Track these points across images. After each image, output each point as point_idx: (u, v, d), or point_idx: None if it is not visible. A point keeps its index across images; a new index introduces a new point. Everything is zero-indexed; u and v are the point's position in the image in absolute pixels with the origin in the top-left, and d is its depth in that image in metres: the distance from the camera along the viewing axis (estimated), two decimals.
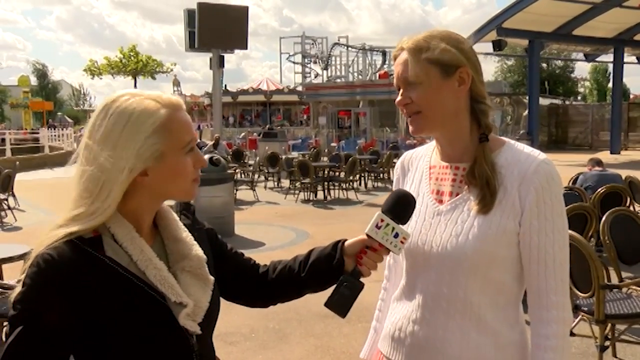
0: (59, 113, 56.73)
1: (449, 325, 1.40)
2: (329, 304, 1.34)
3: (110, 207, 1.17)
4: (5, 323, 4.17)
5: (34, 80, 62.80)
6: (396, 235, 1.35)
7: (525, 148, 1.43)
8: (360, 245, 1.39)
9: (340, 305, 1.33)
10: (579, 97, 46.78)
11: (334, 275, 1.37)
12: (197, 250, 1.30)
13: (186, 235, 1.31)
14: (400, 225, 1.36)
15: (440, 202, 1.46)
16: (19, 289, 1.14)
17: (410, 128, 1.46)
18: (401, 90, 1.44)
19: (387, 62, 34.10)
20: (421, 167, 1.57)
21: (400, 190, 1.44)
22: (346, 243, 1.42)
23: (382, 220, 1.34)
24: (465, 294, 1.39)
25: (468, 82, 1.41)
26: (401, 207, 1.38)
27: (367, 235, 1.36)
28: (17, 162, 14.15)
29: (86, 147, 1.20)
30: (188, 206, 1.44)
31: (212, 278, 1.30)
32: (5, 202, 10.71)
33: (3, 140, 24.49)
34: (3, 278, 4.79)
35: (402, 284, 1.54)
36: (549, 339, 1.36)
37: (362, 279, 1.37)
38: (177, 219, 1.35)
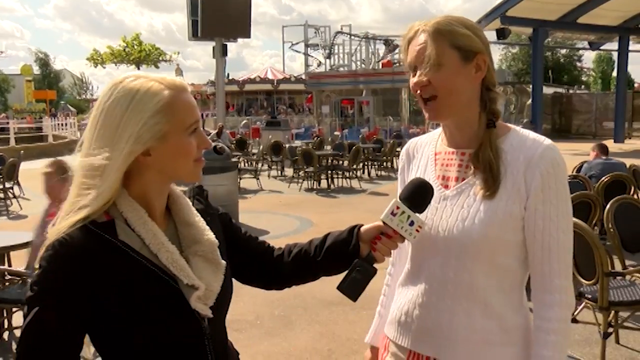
0: (62, 102, 56.74)
1: (455, 309, 1.42)
2: (341, 288, 1.36)
3: (113, 185, 1.18)
4: (14, 308, 4.21)
5: (36, 69, 62.74)
6: (411, 224, 1.36)
7: (530, 134, 1.44)
8: (375, 231, 1.41)
9: (352, 289, 1.36)
10: (583, 86, 46.45)
11: (349, 260, 1.38)
12: (209, 234, 1.32)
13: (198, 219, 1.33)
14: (417, 214, 1.37)
15: (446, 187, 1.47)
16: (37, 271, 1.17)
17: (427, 115, 1.45)
18: (417, 72, 1.43)
19: (390, 51, 33.93)
20: (427, 153, 1.57)
21: (419, 179, 1.44)
22: (362, 229, 1.43)
23: (397, 208, 1.36)
24: (471, 278, 1.40)
25: (484, 69, 1.41)
26: (418, 195, 1.39)
27: (383, 221, 1.37)
28: (22, 151, 14.17)
29: (91, 129, 1.22)
30: (201, 191, 1.45)
31: (223, 262, 1.32)
32: (11, 190, 10.78)
33: (6, 129, 24.54)
34: (11, 265, 4.84)
35: (407, 269, 1.55)
36: (552, 322, 1.37)
37: (376, 266, 1.39)
38: (190, 203, 1.36)
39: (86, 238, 1.16)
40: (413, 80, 1.44)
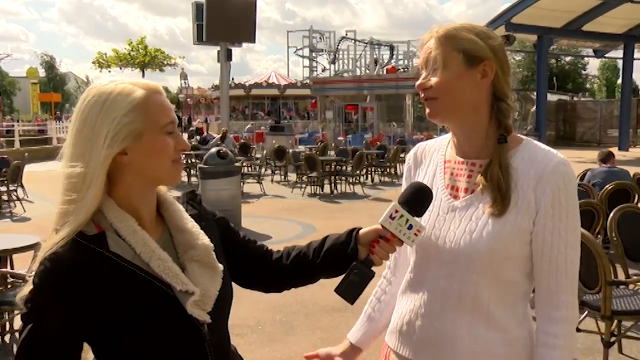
0: (67, 105, 56.96)
1: (458, 320, 1.40)
2: (338, 291, 1.35)
3: (97, 192, 1.18)
4: (15, 311, 4.21)
5: (41, 72, 62.96)
6: (410, 227, 1.35)
7: (542, 147, 1.42)
8: (373, 234, 1.41)
9: (350, 292, 1.35)
10: (587, 94, 46.38)
11: (348, 263, 1.38)
12: (203, 239, 1.31)
13: (192, 225, 1.32)
14: (415, 218, 1.37)
15: (455, 197, 1.45)
16: (29, 287, 1.17)
17: (427, 110, 1.45)
18: (423, 74, 1.44)
19: (394, 57, 33.97)
20: (435, 160, 1.55)
21: (419, 183, 1.43)
22: (361, 232, 1.43)
23: (396, 211, 1.35)
24: (476, 291, 1.39)
25: (491, 75, 1.40)
26: (417, 199, 1.39)
27: (381, 225, 1.37)
28: (26, 154, 14.22)
29: (70, 136, 1.23)
30: (194, 196, 1.45)
31: (220, 266, 1.31)
32: (15, 193, 10.80)
33: (11, 131, 24.63)
34: (14, 267, 4.84)
35: (410, 278, 1.53)
36: (558, 337, 1.36)
37: (374, 269, 1.38)
38: (182, 209, 1.36)
39: (77, 252, 1.16)
40: (417, 82, 1.45)
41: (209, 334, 1.26)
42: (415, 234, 1.36)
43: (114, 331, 1.17)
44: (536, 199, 1.35)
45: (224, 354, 1.34)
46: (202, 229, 1.34)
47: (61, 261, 1.15)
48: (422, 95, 1.44)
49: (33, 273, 1.17)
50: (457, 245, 1.40)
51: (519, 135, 1.47)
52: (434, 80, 1.40)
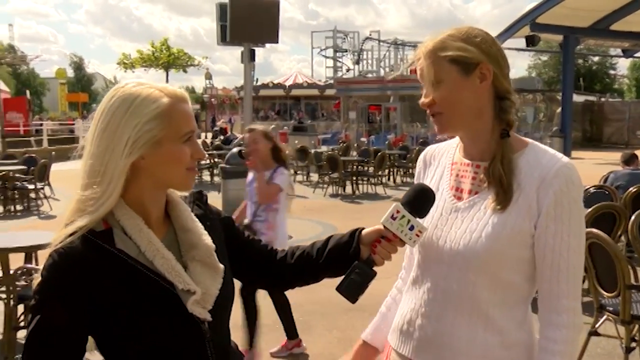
0: (94, 104, 57.84)
1: (456, 321, 1.41)
2: (339, 289, 1.37)
3: (115, 193, 1.22)
4: None
5: (70, 73, 64.13)
6: (411, 228, 1.37)
7: (548, 150, 1.42)
8: (376, 234, 1.43)
9: (351, 290, 1.37)
10: (616, 94, 45.49)
11: (350, 262, 1.40)
12: (206, 239, 1.34)
13: (196, 225, 1.35)
14: (417, 219, 1.38)
15: (459, 199, 1.47)
16: (38, 279, 1.21)
17: (435, 127, 1.47)
18: (424, 92, 1.44)
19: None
20: (443, 162, 1.57)
21: (421, 185, 1.45)
22: (363, 232, 1.46)
23: (398, 212, 1.37)
24: (474, 291, 1.39)
25: (490, 77, 1.39)
26: (419, 200, 1.40)
27: (383, 225, 1.39)
28: (53, 152, 14.49)
29: (92, 132, 1.26)
30: (201, 196, 1.48)
31: (221, 266, 1.34)
32: (42, 191, 11.01)
33: (39, 131, 25.12)
34: (39, 263, 4.95)
35: (412, 277, 1.55)
36: (557, 343, 1.35)
37: (377, 269, 1.40)
38: (188, 209, 1.38)
39: (84, 247, 1.20)
40: (420, 100, 1.46)
41: (210, 331, 1.29)
42: (417, 235, 1.38)
43: (117, 326, 1.20)
44: (538, 201, 1.35)
45: (224, 351, 1.37)
46: (206, 229, 1.36)
47: (68, 255, 1.19)
48: (428, 111, 1.45)
49: (42, 266, 1.22)
50: (457, 245, 1.41)
51: (524, 138, 1.47)
52: (435, 96, 1.41)
